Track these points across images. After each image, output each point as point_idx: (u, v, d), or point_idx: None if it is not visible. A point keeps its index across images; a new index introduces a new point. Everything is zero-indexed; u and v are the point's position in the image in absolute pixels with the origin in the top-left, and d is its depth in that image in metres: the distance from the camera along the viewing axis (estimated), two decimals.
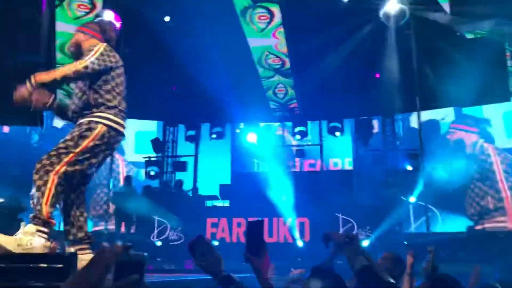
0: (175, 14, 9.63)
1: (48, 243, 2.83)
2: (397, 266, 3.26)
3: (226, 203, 10.97)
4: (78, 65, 3.10)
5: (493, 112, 11.76)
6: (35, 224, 2.85)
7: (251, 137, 12.02)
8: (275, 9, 9.53)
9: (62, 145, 3.03)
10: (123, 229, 10.41)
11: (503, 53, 9.53)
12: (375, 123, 11.58)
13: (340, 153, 12.61)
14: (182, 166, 12.00)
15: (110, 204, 10.33)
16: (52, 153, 2.99)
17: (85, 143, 3.04)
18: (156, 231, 9.81)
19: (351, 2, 8.93)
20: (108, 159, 3.44)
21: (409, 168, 10.08)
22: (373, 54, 9.89)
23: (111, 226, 10.24)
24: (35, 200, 2.91)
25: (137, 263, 1.41)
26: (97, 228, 11.86)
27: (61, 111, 3.38)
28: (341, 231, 9.04)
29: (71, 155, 3.00)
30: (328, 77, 9.88)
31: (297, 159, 12.62)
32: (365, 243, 8.65)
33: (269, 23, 9.81)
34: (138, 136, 13.57)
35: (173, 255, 9.09)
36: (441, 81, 9.30)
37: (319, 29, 9.06)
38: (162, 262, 8.97)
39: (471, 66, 8.53)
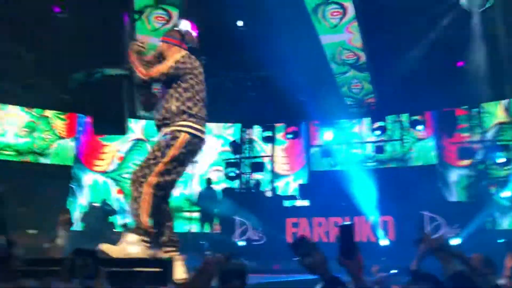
0: (247, 18, 9.76)
1: (150, 251, 2.97)
2: (487, 268, 3.01)
3: (306, 203, 10.90)
4: (153, 71, 3.27)
5: None
6: (137, 234, 2.99)
7: (327, 135, 11.86)
8: (348, 4, 9.35)
9: (151, 156, 3.16)
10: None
11: None
12: (460, 114, 10.92)
13: (421, 147, 12.05)
14: (259, 167, 12.14)
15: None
16: (143, 164, 3.14)
17: (171, 152, 3.13)
18: (238, 231, 9.99)
19: None
20: None
21: (501, 160, 9.39)
22: (455, 42, 9.35)
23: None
24: (133, 211, 3.06)
25: (239, 271, 1.43)
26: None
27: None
28: (427, 229, 8.64)
29: (160, 165, 3.11)
30: (408, 68, 9.49)
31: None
32: (455, 241, 8.19)
33: (341, 18, 9.64)
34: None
35: (256, 255, 9.20)
36: None
37: (395, 20, 8.75)
38: (242, 260, 9.10)
39: None
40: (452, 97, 9.92)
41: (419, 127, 10.89)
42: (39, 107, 12.29)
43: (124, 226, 9.27)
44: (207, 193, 11.08)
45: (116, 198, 11.89)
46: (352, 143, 12.31)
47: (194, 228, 11.67)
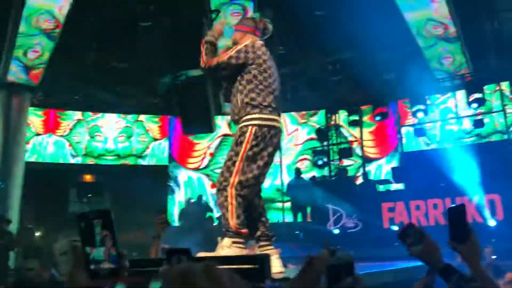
0: (324, 1, 9.52)
1: (245, 251, 3.00)
2: None
3: (401, 186, 10.46)
4: (213, 60, 3.23)
5: None
6: (229, 237, 3.03)
7: (419, 113, 11.24)
8: None
9: (227, 158, 3.16)
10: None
11: None
12: None
13: None
14: (348, 153, 11.87)
15: None
16: (223, 169, 3.15)
17: (242, 149, 3.09)
18: (332, 219, 9.86)
19: None
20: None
21: None
22: None
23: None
24: (223, 216, 3.10)
25: (347, 264, 1.35)
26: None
27: None
28: None
29: (237, 164, 3.07)
30: (505, 32, 8.65)
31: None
32: None
33: None
34: None
35: (352, 243, 9.02)
36: None
37: None
38: (342, 250, 8.97)
39: None
40: None
41: None
42: (134, 113, 13.12)
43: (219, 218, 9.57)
44: (297, 183, 11.08)
45: (211, 193, 12.32)
46: (446, 119, 11.56)
47: (287, 218, 11.76)
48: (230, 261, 2.57)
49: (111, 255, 1.17)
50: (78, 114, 12.71)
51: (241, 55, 3.19)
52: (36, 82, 9.73)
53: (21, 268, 7.65)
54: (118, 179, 11.53)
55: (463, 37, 9.65)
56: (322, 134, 12.17)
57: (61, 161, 12.42)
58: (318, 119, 13.18)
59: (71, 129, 12.62)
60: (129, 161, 13.03)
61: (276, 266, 2.95)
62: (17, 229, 8.26)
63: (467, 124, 11.25)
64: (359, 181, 11.71)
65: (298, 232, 9.77)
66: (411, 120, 11.76)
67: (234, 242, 3.01)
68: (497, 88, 10.79)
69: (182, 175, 13.28)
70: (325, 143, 12.15)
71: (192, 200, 11.96)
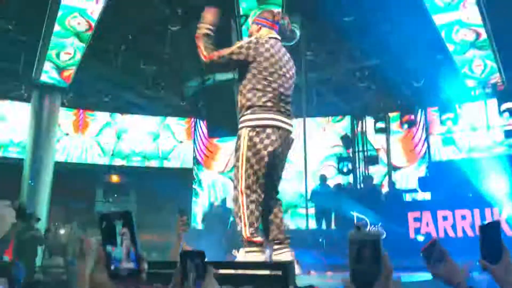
0: (352, 8, 9.45)
1: (262, 257, 2.94)
2: None
3: (427, 196, 10.25)
4: (214, 53, 3.13)
5: None
6: (244, 246, 3.01)
7: (448, 122, 11.00)
8: None
9: (233, 166, 3.15)
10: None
11: None
12: None
13: None
14: (374, 160, 11.71)
15: None
16: (233, 178, 3.15)
17: (241, 153, 3.02)
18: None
19: None
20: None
21: None
22: None
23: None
24: (238, 226, 3.05)
25: (372, 241, 1.23)
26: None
27: None
28: None
29: (241, 169, 3.01)
30: None
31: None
32: None
33: None
34: None
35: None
36: None
37: None
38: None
39: None
40: None
41: None
42: (161, 115, 13.29)
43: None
44: (322, 189, 10.98)
45: None
46: (477, 128, 11.28)
47: (311, 225, 11.66)
48: (253, 267, 2.55)
49: (130, 256, 1.19)
50: (106, 115, 12.95)
51: (243, 51, 3.08)
52: (67, 82, 9.94)
53: (47, 265, 7.82)
54: (143, 180, 11.70)
55: (495, 44, 9.42)
56: (347, 140, 12.06)
57: (89, 161, 12.66)
58: (344, 125, 13.06)
59: (99, 130, 12.86)
60: (155, 163, 13.18)
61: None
62: (45, 227, 8.46)
63: (498, 134, 10.94)
64: (385, 189, 11.53)
65: (321, 239, 9.67)
66: (439, 128, 11.52)
67: (248, 252, 2.97)
68: None
69: (207, 178, 13.36)
70: (350, 149, 12.02)
71: (216, 203, 12.00)
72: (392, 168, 12.08)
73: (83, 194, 11.97)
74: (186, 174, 13.21)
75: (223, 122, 9.76)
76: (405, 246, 8.63)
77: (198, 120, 13.19)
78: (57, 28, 8.75)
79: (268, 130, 3.01)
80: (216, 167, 13.38)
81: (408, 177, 12.00)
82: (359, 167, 11.84)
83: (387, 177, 12.00)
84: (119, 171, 12.81)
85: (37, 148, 9.99)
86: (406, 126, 11.42)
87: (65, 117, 12.21)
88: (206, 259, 1.36)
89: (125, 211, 1.21)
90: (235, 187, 3.06)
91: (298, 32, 3.50)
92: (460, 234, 8.55)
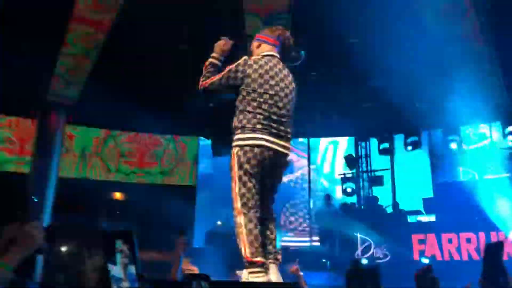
0: (357, 30, 9.53)
1: (264, 278, 2.90)
2: None
3: (432, 218, 10.17)
4: (207, 81, 3.17)
5: None
6: (245, 268, 2.95)
7: (452, 144, 10.97)
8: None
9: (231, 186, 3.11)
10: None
11: None
12: None
13: None
14: (378, 181, 11.65)
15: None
16: (232, 199, 3.10)
17: (233, 172, 3.05)
18: (360, 249, 9.63)
19: None
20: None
21: None
22: None
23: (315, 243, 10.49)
24: (238, 247, 2.99)
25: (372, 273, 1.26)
26: (300, 244, 12.29)
27: None
28: None
29: (235, 189, 3.02)
30: None
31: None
32: None
33: None
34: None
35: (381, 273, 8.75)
36: None
37: None
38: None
39: None
40: None
41: None
42: (165, 133, 13.34)
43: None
44: (326, 209, 10.93)
45: None
46: (482, 150, 11.25)
47: (315, 245, 11.56)
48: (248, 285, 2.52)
49: (130, 275, 1.18)
50: (110, 132, 13.00)
51: (231, 75, 3.11)
52: (73, 99, 10.01)
53: (47, 281, 7.74)
54: (146, 197, 11.65)
55: (500, 65, 9.44)
56: (351, 161, 12.03)
57: (92, 178, 12.65)
58: (348, 145, 13.05)
59: (102, 146, 12.89)
60: (159, 180, 13.17)
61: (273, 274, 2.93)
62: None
63: (503, 156, 10.89)
64: (389, 210, 11.45)
65: (325, 260, 9.58)
66: (444, 150, 11.49)
67: (250, 273, 2.91)
68: None
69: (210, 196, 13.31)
70: (354, 170, 11.98)
71: (219, 222, 11.94)
72: (396, 189, 12.01)
73: (86, 211, 11.92)
74: (189, 192, 13.17)
75: (227, 141, 9.77)
76: (409, 268, 8.55)
77: (202, 138, 13.21)
78: (65, 45, 8.86)
79: (256, 150, 3.02)
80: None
81: (413, 198, 11.93)
82: (363, 188, 11.77)
83: (391, 198, 11.93)
84: (122, 188, 12.79)
85: (41, 165, 10.02)
86: (410, 147, 11.39)
87: (70, 133, 12.26)
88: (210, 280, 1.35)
89: (127, 230, 1.20)
90: (232, 207, 3.05)
91: (303, 53, 3.47)
92: (465, 257, 8.45)
